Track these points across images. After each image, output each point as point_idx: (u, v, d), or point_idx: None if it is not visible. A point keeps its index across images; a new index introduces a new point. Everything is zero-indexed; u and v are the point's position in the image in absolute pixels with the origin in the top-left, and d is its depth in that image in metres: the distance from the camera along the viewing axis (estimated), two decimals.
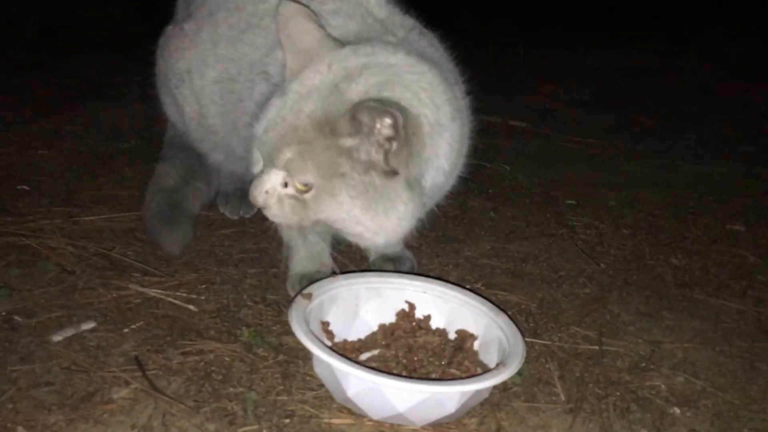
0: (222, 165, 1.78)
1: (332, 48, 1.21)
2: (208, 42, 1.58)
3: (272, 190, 1.16)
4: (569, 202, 2.09)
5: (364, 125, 1.10)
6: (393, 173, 1.14)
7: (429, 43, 1.38)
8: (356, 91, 1.14)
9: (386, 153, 1.12)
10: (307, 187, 1.14)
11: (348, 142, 1.12)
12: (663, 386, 1.31)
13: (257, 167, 1.22)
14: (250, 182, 1.20)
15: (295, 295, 1.27)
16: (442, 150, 1.22)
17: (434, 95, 1.20)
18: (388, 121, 1.09)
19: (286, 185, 1.16)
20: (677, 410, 1.25)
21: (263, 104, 1.24)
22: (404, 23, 1.39)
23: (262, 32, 1.46)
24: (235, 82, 1.51)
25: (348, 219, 1.16)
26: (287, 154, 1.13)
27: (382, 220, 1.16)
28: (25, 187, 1.86)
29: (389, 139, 1.11)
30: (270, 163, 1.16)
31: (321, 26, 1.23)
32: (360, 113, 1.09)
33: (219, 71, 1.55)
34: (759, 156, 2.60)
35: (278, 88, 1.24)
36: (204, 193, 1.81)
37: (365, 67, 1.18)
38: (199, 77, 1.61)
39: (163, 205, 1.67)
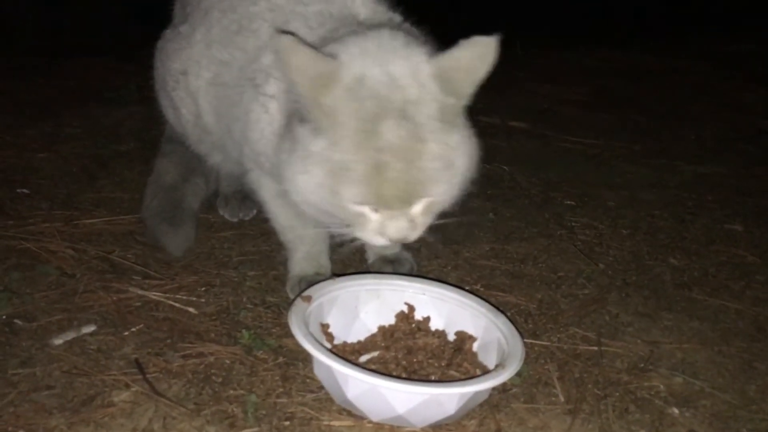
0: (221, 166, 1.78)
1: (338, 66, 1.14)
2: (202, 43, 1.57)
3: (412, 222, 1.17)
4: (568, 202, 2.09)
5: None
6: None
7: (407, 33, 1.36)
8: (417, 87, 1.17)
9: None
10: None
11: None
12: (662, 387, 1.31)
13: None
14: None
15: (295, 298, 1.28)
16: None
17: None
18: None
19: None
20: (676, 411, 1.25)
21: (250, 112, 1.26)
22: (383, 19, 1.36)
23: (252, 35, 1.45)
24: (227, 86, 1.51)
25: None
26: (428, 197, 1.17)
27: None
28: (24, 190, 1.86)
29: None
30: (402, 206, 1.15)
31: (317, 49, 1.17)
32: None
33: (213, 73, 1.55)
34: (757, 156, 2.60)
35: (296, 116, 1.17)
36: (203, 190, 1.81)
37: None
38: (194, 78, 1.60)
39: (165, 203, 1.67)
